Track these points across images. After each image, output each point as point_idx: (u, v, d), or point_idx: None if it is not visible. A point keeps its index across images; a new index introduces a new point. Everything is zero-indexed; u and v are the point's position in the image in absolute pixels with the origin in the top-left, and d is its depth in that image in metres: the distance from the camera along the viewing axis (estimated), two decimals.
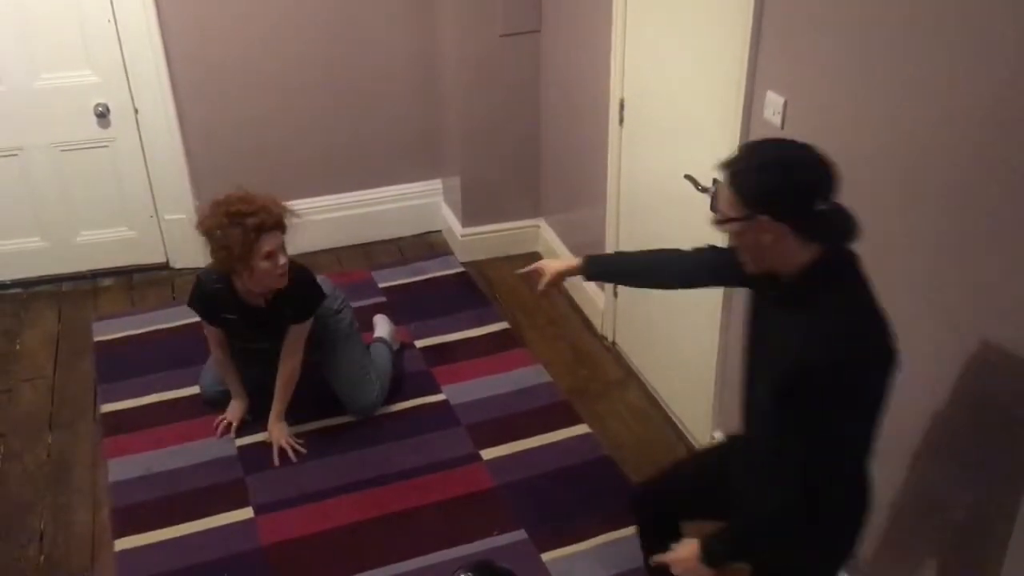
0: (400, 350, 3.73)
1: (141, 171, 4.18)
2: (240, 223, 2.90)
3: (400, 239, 4.65)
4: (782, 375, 1.74)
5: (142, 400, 3.53)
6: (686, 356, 3.25)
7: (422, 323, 3.96)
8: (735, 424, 2.18)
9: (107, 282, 4.33)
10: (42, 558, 2.92)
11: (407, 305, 4.09)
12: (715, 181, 1.85)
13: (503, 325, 3.97)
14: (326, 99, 4.28)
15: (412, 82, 4.36)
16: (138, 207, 4.25)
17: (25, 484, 3.20)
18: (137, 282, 4.33)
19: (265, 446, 3.28)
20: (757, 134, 2.60)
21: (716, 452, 2.34)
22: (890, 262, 2.22)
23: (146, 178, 4.20)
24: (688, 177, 2.85)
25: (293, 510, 3.04)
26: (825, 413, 1.73)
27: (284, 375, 3.24)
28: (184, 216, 4.15)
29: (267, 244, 2.94)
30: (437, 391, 3.57)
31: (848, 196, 2.21)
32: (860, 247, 2.28)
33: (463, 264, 4.41)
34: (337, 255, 4.51)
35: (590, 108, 3.67)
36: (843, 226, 1.76)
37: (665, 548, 2.32)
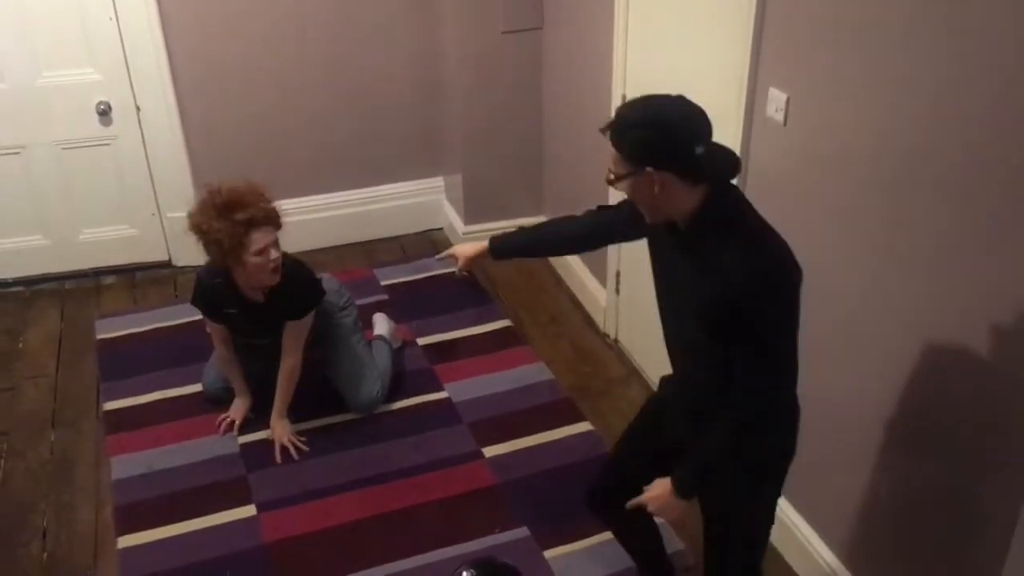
0: (401, 348, 3.73)
1: (143, 169, 4.18)
2: (229, 219, 2.89)
3: (402, 237, 4.65)
4: (713, 307, 1.85)
5: (145, 398, 3.54)
6: None
7: (424, 321, 3.96)
8: None
9: (109, 280, 4.33)
10: (45, 556, 2.93)
11: (409, 303, 4.09)
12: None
13: (505, 323, 3.97)
14: (328, 96, 4.28)
15: (414, 79, 4.35)
16: (140, 205, 4.25)
17: (28, 482, 3.20)
18: (139, 280, 4.34)
19: (267, 444, 3.28)
20: (760, 131, 2.60)
21: (645, 418, 2.40)
22: (891, 258, 2.22)
23: (148, 176, 4.20)
24: None
25: (295, 508, 3.04)
26: (765, 330, 1.86)
27: (285, 372, 3.24)
28: (186, 214, 4.14)
29: (258, 240, 2.93)
30: (439, 389, 3.57)
31: (849, 193, 2.21)
32: (862, 243, 2.30)
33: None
34: (339, 253, 4.51)
35: (592, 105, 3.67)
36: (724, 164, 1.89)
37: (644, 532, 2.49)
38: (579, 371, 3.70)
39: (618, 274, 3.72)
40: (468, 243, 2.65)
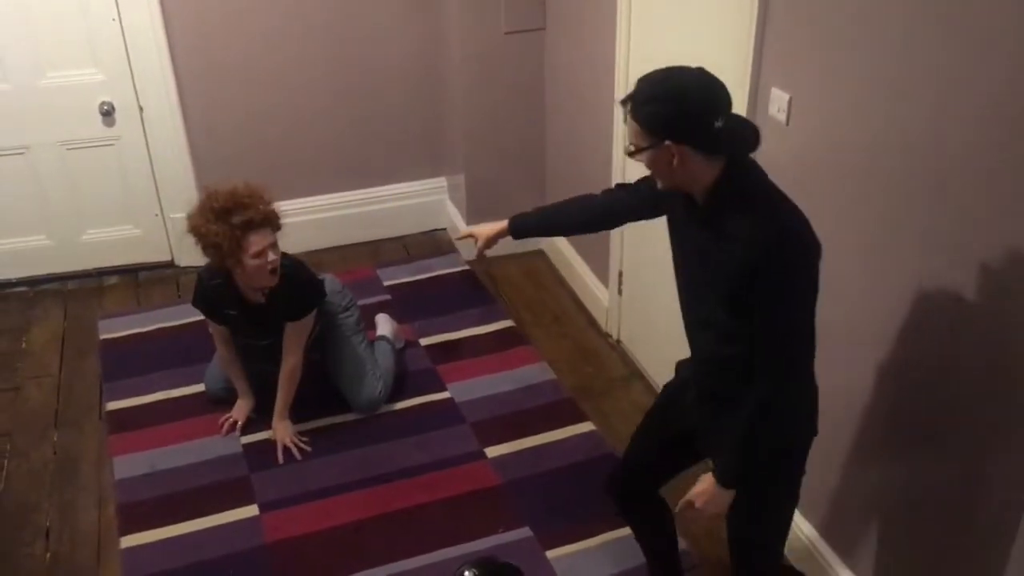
0: (403, 348, 3.74)
1: (146, 169, 4.18)
2: (227, 221, 2.89)
3: (405, 237, 4.65)
4: (734, 278, 1.85)
5: (147, 398, 3.54)
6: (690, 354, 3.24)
7: (427, 321, 3.96)
8: None
9: (112, 280, 4.34)
10: (48, 555, 2.93)
11: (412, 303, 4.10)
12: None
13: (508, 323, 3.97)
14: (331, 97, 4.28)
15: (416, 80, 4.36)
16: (143, 205, 4.26)
17: (31, 482, 3.21)
18: (143, 280, 4.34)
19: (270, 444, 3.29)
20: (762, 131, 2.58)
21: (661, 406, 2.39)
22: (891, 257, 2.21)
23: (151, 176, 4.20)
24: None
25: (298, 507, 3.05)
26: (786, 299, 1.85)
27: (286, 373, 3.24)
28: (185, 216, 4.15)
29: (256, 243, 2.94)
30: (442, 389, 3.57)
31: (851, 193, 2.21)
32: (863, 242, 2.29)
33: (468, 262, 4.41)
34: (342, 253, 4.51)
35: (595, 105, 3.67)
36: (744, 138, 1.88)
37: (655, 528, 2.48)
38: (581, 371, 3.70)
39: (620, 274, 3.72)
40: (487, 223, 2.64)
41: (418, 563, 2.84)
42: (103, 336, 3.92)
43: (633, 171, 3.43)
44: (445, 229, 4.69)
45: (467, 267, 4.38)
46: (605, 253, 3.78)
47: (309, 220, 4.34)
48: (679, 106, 1.81)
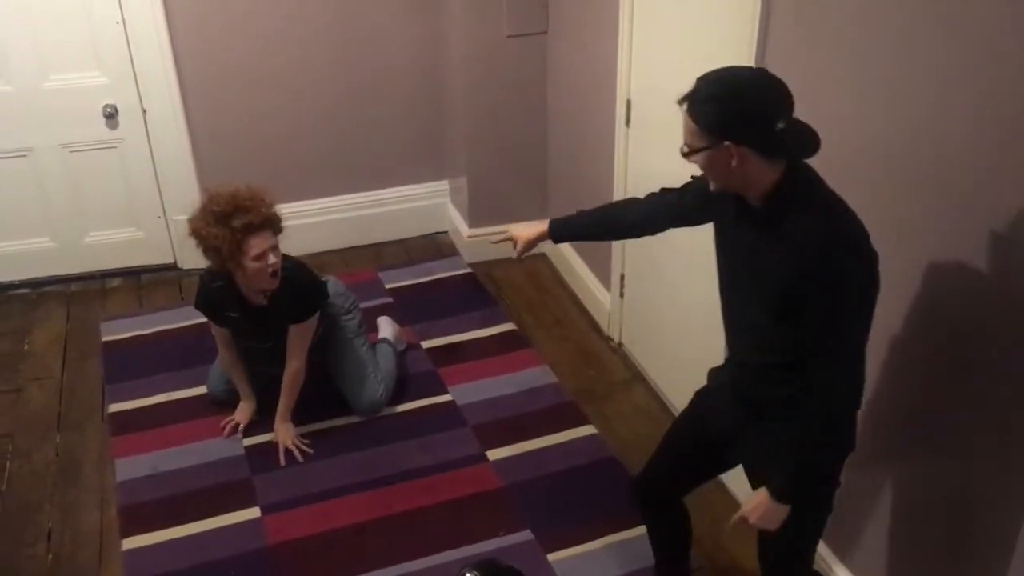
0: (404, 351, 3.74)
1: (149, 172, 4.19)
2: (227, 224, 2.89)
3: (407, 240, 4.66)
4: (794, 282, 1.81)
5: (150, 400, 3.54)
6: (693, 357, 3.23)
7: (429, 323, 3.96)
8: None
9: (115, 282, 4.34)
10: (50, 557, 2.93)
11: (414, 306, 4.10)
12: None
13: (509, 326, 3.97)
14: (334, 101, 4.29)
15: (419, 82, 4.36)
16: (146, 208, 4.26)
17: (33, 483, 3.21)
18: (145, 282, 4.35)
19: (272, 446, 3.29)
20: None
21: (692, 412, 2.35)
22: (893, 259, 2.22)
23: (154, 179, 4.21)
24: (694, 178, 2.84)
25: (300, 510, 3.05)
26: (848, 303, 1.82)
27: (289, 375, 3.24)
28: (187, 219, 4.16)
29: (256, 246, 2.94)
30: (443, 391, 3.57)
31: (853, 195, 2.21)
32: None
33: (470, 265, 4.41)
34: (344, 255, 4.51)
35: (597, 109, 3.67)
36: (805, 141, 1.84)
37: (672, 532, 2.46)
38: (583, 374, 3.70)
39: (622, 277, 3.72)
40: (526, 224, 2.59)
41: (419, 566, 2.83)
42: (105, 338, 3.92)
43: (635, 174, 3.44)
44: (447, 232, 4.69)
45: (469, 270, 4.38)
46: (607, 256, 3.78)
47: (311, 223, 4.35)
48: (741, 106, 1.78)
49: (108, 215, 4.25)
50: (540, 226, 2.51)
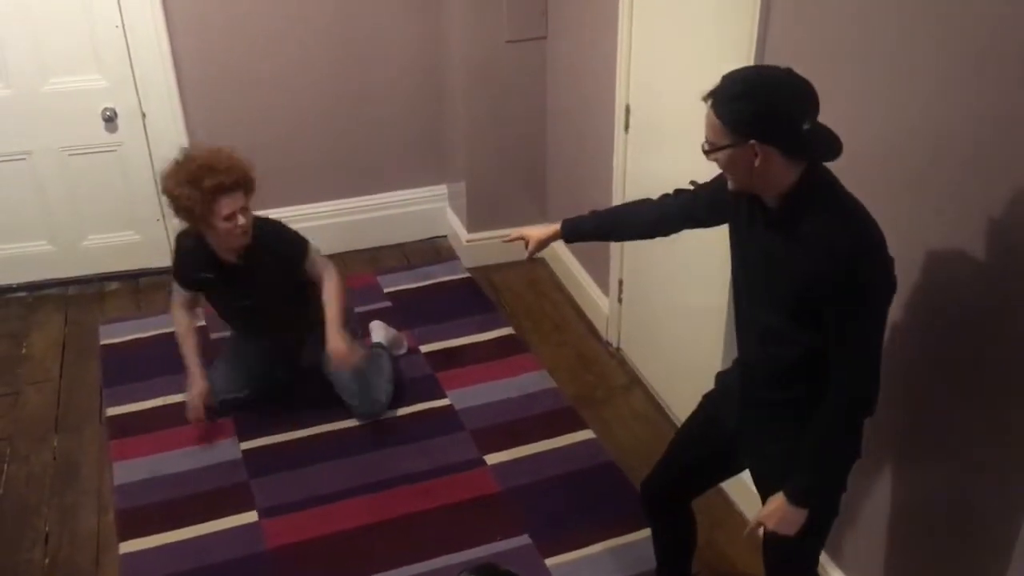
0: (403, 354, 3.74)
1: (148, 175, 4.19)
2: (198, 185, 2.93)
3: (406, 244, 4.66)
4: (815, 284, 1.80)
5: (148, 403, 3.54)
6: (691, 362, 3.24)
7: (427, 328, 3.96)
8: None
9: (113, 286, 4.34)
10: (47, 560, 2.93)
11: (412, 310, 4.10)
12: None
13: (508, 330, 3.97)
14: (333, 104, 4.29)
15: (418, 87, 4.37)
16: (145, 211, 4.26)
17: (31, 486, 3.21)
18: (143, 286, 4.34)
19: (270, 449, 3.29)
20: None
21: (700, 415, 2.36)
22: (895, 263, 2.22)
23: (153, 182, 4.20)
24: (694, 183, 2.85)
25: (298, 514, 3.05)
26: (869, 306, 1.82)
27: (330, 290, 3.21)
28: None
29: (226, 206, 2.97)
30: (442, 396, 3.57)
31: (852, 192, 2.20)
32: None
33: (468, 269, 4.41)
34: (343, 259, 4.50)
35: (596, 114, 3.68)
36: (829, 144, 1.82)
37: (678, 536, 2.47)
38: (582, 379, 3.70)
39: (620, 282, 3.73)
40: (539, 225, 2.59)
41: (417, 570, 2.83)
42: (103, 341, 3.92)
43: (633, 180, 3.45)
44: (446, 236, 4.70)
45: (467, 275, 4.38)
46: (605, 261, 3.78)
47: (310, 227, 4.30)
48: (769, 105, 1.77)
49: (107, 218, 4.25)
50: (552, 226, 2.51)
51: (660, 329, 3.47)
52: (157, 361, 3.76)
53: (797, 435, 1.97)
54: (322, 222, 4.46)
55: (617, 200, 3.55)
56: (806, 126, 1.76)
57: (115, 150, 4.11)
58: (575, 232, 2.47)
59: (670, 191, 2.33)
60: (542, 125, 4.27)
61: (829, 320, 1.84)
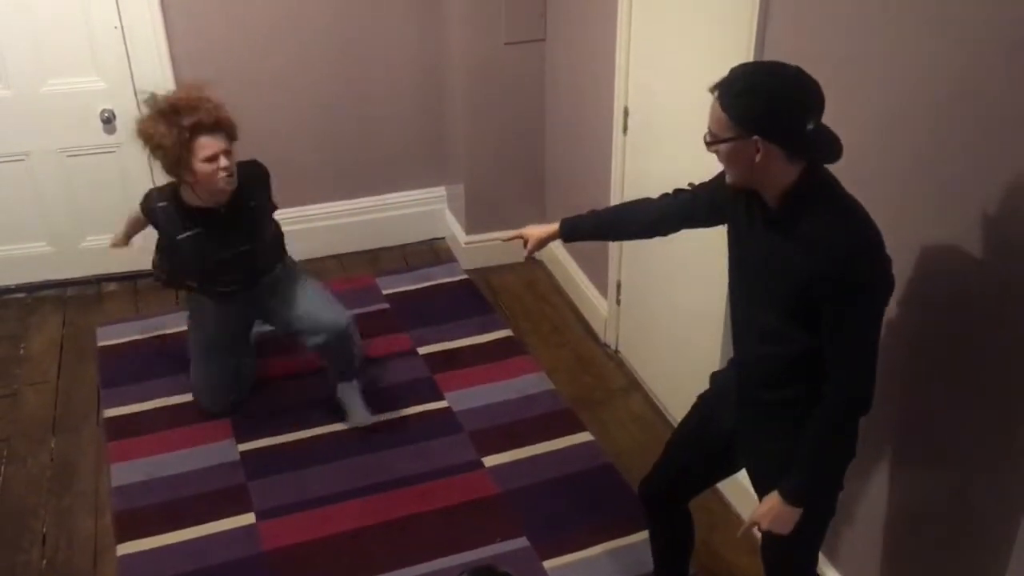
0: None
1: (146, 176, 4.17)
2: (176, 122, 2.76)
3: (404, 246, 4.66)
4: (813, 284, 1.81)
5: (145, 405, 3.54)
6: (689, 364, 3.24)
7: (425, 329, 3.96)
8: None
9: (111, 287, 4.34)
10: (44, 562, 2.92)
11: (411, 311, 4.10)
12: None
13: (506, 332, 3.97)
14: (331, 106, 4.29)
15: (417, 89, 4.37)
16: None
17: (28, 488, 3.20)
18: (141, 288, 4.34)
19: (268, 451, 3.28)
20: None
21: (696, 415, 2.35)
22: (895, 263, 2.22)
23: (151, 183, 4.18)
24: (691, 185, 2.85)
25: (295, 516, 3.04)
26: (868, 305, 1.83)
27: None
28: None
29: (205, 146, 2.79)
30: (440, 398, 3.57)
31: (850, 192, 2.21)
32: None
33: (467, 271, 4.41)
34: (342, 261, 4.52)
35: (594, 116, 3.68)
36: (830, 145, 1.84)
37: (676, 536, 2.47)
38: (580, 381, 3.70)
39: (619, 284, 3.73)
40: (538, 225, 2.58)
41: (415, 572, 2.83)
42: (101, 343, 3.92)
43: (632, 182, 3.45)
44: (444, 238, 4.70)
45: (466, 276, 4.38)
46: (604, 263, 3.79)
47: (309, 228, 4.35)
48: (776, 103, 1.77)
49: (105, 220, 4.22)
50: (551, 225, 2.51)
51: (658, 331, 3.47)
52: (155, 363, 3.76)
53: (794, 434, 1.97)
54: (321, 224, 4.46)
55: (616, 202, 3.55)
56: (810, 127, 1.77)
57: (113, 151, 4.11)
58: (574, 231, 2.47)
59: (669, 192, 2.33)
60: (541, 127, 4.28)
61: (827, 319, 1.84)
